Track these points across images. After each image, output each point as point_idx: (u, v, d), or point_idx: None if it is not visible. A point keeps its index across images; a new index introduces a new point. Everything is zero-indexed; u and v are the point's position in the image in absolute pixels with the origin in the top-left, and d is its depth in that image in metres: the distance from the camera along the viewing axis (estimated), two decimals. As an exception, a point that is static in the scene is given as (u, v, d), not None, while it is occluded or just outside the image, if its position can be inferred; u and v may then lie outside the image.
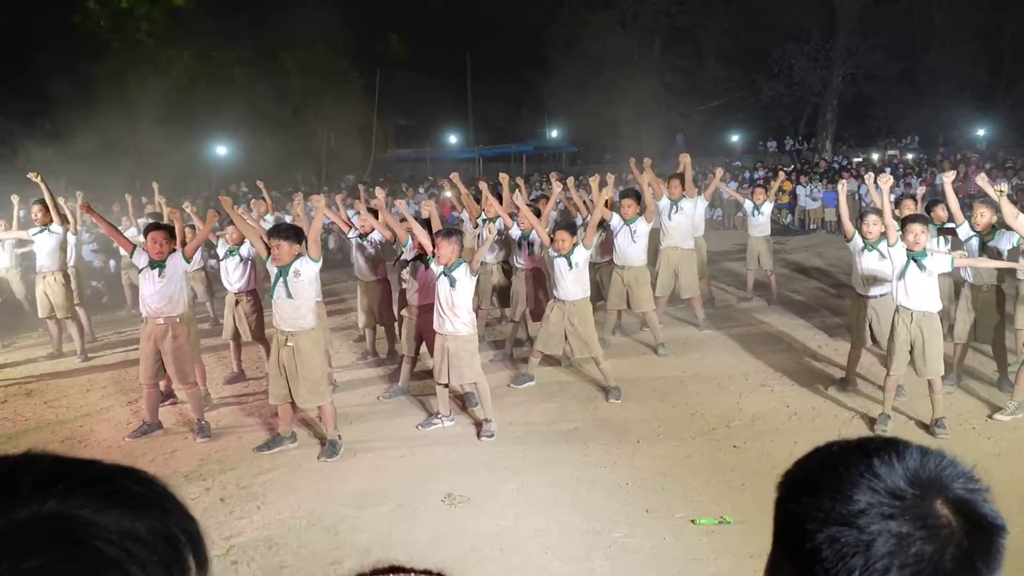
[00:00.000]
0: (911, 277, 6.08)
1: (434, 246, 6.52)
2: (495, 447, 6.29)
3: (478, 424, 6.71)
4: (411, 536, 4.88)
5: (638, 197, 8.82)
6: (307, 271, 6.20)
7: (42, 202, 9.50)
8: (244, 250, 8.20)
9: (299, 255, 6.18)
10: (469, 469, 5.86)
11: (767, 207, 11.40)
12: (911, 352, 6.19)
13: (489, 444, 6.36)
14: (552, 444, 6.32)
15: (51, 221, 9.57)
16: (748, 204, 11.57)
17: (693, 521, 4.84)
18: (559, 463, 5.90)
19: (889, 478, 0.91)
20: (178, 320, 6.76)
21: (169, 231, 6.90)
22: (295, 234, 6.26)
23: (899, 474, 0.92)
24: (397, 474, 5.87)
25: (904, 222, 6.26)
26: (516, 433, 6.59)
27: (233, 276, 8.29)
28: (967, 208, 7.56)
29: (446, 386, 6.67)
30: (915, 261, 6.05)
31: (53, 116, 25.39)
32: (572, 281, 7.36)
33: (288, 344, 6.18)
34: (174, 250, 6.82)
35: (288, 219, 12.23)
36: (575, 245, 7.35)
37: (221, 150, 29.54)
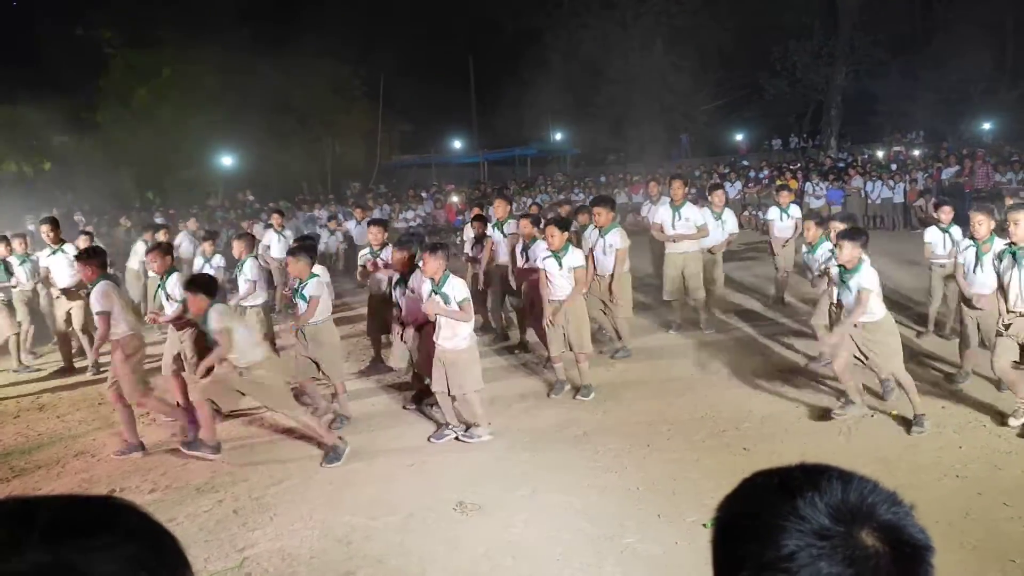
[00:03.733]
0: (844, 292, 6.44)
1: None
2: (505, 454, 6.31)
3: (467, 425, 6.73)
4: (423, 545, 4.90)
5: (611, 204, 8.97)
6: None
7: (51, 221, 9.59)
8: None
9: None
10: (479, 477, 5.88)
11: (795, 209, 11.31)
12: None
13: (499, 451, 6.37)
14: (562, 450, 6.34)
15: (62, 241, 9.69)
16: (774, 210, 11.36)
17: (705, 525, 4.84)
18: (569, 469, 5.91)
19: (815, 518, 0.92)
20: (119, 341, 6.79)
21: (98, 258, 6.90)
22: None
23: (823, 512, 0.93)
24: (408, 483, 5.89)
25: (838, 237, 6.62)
26: (525, 439, 6.60)
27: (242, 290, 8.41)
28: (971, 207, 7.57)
29: (451, 396, 6.68)
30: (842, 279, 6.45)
31: (61, 128, 25.55)
32: (564, 280, 7.46)
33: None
34: (107, 276, 6.92)
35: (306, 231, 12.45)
36: (567, 244, 7.46)
37: (227, 160, 29.66)
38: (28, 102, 22.40)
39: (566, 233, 7.54)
